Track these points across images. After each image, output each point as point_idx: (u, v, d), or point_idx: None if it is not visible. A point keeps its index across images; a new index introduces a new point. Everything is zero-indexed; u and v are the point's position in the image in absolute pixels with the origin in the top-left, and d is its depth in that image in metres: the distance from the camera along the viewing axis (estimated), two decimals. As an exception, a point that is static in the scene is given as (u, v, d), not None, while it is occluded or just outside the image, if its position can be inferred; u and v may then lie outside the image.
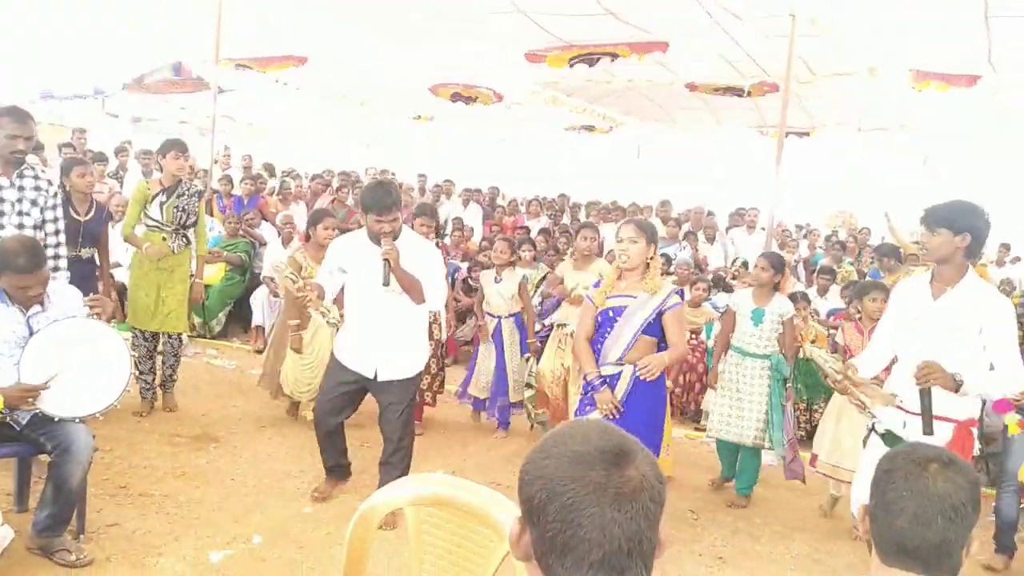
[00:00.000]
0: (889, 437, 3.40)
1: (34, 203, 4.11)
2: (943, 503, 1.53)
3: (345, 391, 4.16)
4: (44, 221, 4.16)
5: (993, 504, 4.42)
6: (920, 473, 1.57)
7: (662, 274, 8.02)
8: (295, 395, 5.48)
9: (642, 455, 1.15)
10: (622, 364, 3.80)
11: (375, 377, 4.07)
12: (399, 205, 3.92)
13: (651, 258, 3.85)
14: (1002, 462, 4.43)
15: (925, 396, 3.13)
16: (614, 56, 8.98)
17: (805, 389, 6.15)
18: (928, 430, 3.12)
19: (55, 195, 4.25)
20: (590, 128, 14.29)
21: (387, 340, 4.03)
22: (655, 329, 3.82)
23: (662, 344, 3.88)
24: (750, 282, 5.03)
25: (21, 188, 4.07)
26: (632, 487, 1.10)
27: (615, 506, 1.09)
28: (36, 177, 4.16)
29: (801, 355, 4.77)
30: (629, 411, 3.74)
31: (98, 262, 5.24)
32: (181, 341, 5.62)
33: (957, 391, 3.10)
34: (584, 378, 3.93)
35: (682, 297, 3.97)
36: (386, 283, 3.83)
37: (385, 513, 2.15)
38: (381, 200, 3.86)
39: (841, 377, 3.45)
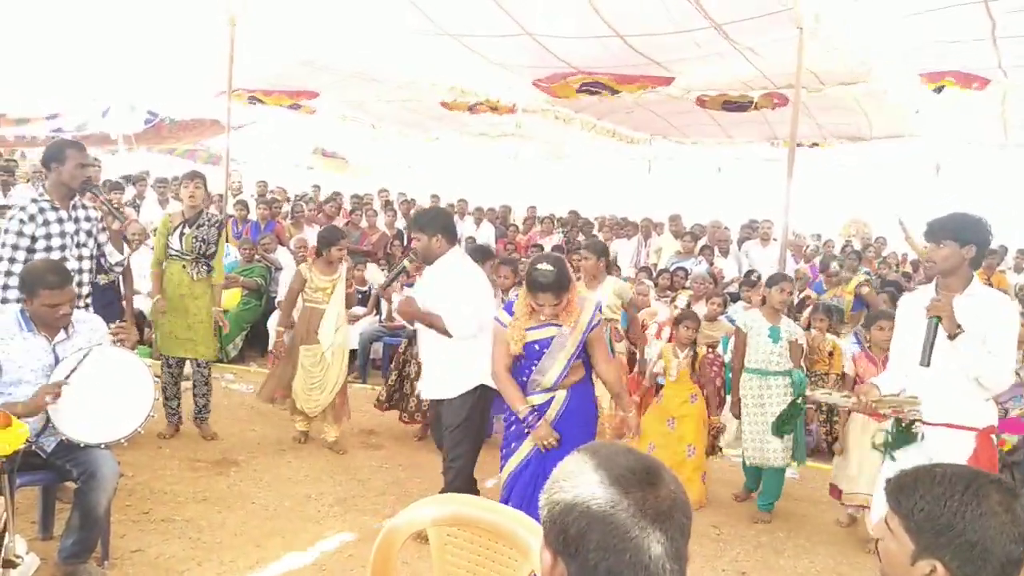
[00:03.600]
0: (900, 433, 3.42)
1: (89, 234, 4.36)
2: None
3: (436, 413, 4.51)
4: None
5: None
6: (1005, 503, 1.43)
7: (681, 287, 8.10)
8: (306, 409, 5.53)
9: (666, 470, 1.15)
10: (555, 390, 3.61)
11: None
12: (415, 227, 4.20)
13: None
14: None
15: (931, 329, 3.21)
16: (618, 93, 9.09)
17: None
18: (925, 361, 3.21)
19: (100, 229, 4.50)
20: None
21: (428, 361, 4.30)
22: (583, 352, 3.67)
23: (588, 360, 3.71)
24: (776, 305, 4.97)
25: (76, 220, 4.29)
26: (668, 505, 1.10)
27: (656, 526, 1.08)
28: (85, 207, 4.37)
29: (801, 402, 4.70)
30: (565, 431, 3.57)
31: (122, 289, 5.31)
32: (210, 369, 5.66)
33: (952, 338, 3.19)
34: (513, 412, 3.67)
35: (599, 310, 3.74)
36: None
37: (408, 534, 2.16)
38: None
39: (854, 400, 3.46)
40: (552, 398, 3.61)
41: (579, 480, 1.13)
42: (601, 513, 1.08)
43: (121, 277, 5.28)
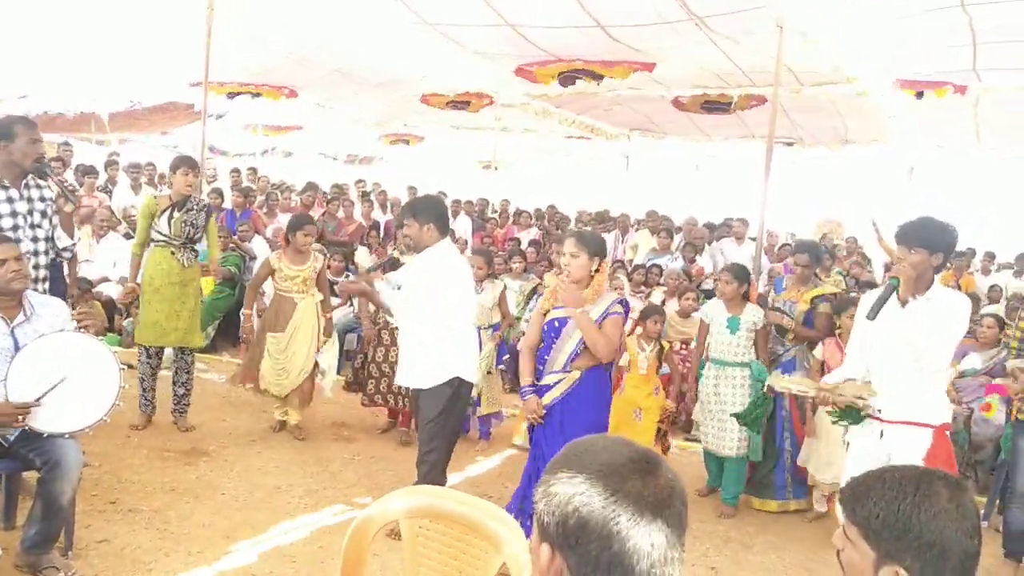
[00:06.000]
0: (849, 414, 3.52)
1: (43, 214, 4.14)
2: (976, 522, 1.45)
3: (416, 403, 4.30)
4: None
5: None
6: (955, 499, 1.44)
7: (655, 284, 8.12)
8: (270, 390, 5.50)
9: (663, 460, 1.17)
10: (567, 372, 3.88)
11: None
12: (406, 215, 4.14)
13: (596, 270, 3.88)
14: (1012, 478, 4.45)
15: (888, 289, 3.37)
16: (600, 78, 9.09)
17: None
18: (872, 316, 3.38)
19: (55, 211, 4.28)
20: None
21: (405, 350, 4.21)
22: None
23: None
24: (720, 295, 5.10)
25: (30, 199, 4.09)
26: (667, 493, 1.12)
27: (656, 514, 1.10)
28: (39, 187, 4.16)
29: (765, 394, 4.68)
30: (573, 410, 3.85)
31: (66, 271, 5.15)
32: (194, 357, 5.58)
33: (904, 305, 3.35)
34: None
35: (626, 308, 3.97)
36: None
37: (380, 525, 2.15)
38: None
39: (816, 391, 3.55)
40: (561, 379, 3.88)
41: (578, 471, 1.13)
42: (602, 502, 1.09)
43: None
